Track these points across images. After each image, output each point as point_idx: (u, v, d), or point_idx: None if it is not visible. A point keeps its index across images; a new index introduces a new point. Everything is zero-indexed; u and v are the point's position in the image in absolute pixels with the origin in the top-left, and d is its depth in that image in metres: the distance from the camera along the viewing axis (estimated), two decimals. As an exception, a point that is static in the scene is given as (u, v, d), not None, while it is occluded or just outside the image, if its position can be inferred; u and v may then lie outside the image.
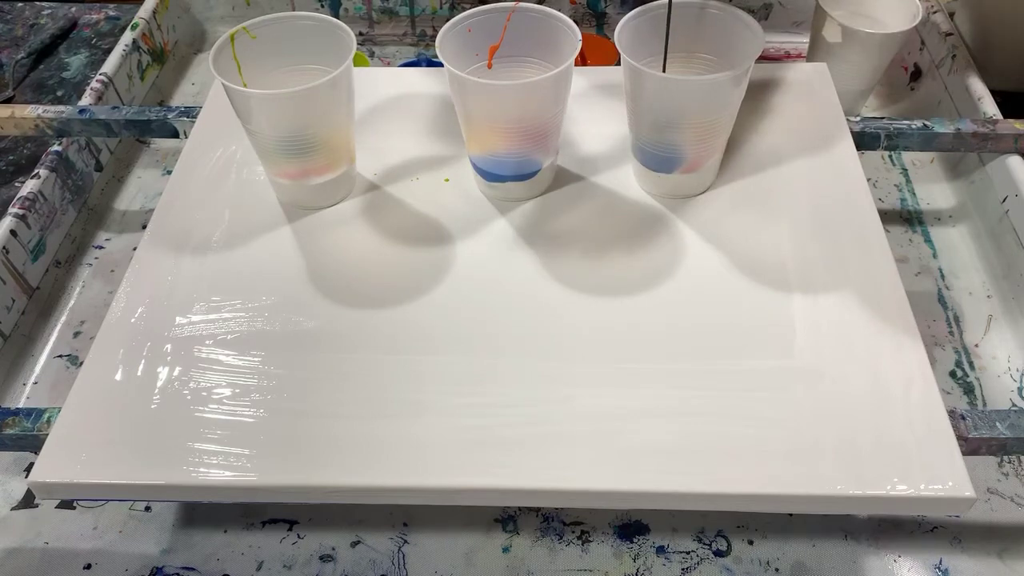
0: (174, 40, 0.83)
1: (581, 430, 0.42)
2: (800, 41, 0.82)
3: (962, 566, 0.47)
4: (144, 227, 0.55)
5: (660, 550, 0.48)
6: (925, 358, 0.44)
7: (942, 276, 0.62)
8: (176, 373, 0.45)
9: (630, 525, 0.49)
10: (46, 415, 0.45)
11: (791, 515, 0.49)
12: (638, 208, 0.53)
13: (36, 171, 0.62)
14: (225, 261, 0.51)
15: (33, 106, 0.63)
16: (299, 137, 0.49)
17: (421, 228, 0.53)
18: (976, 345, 0.57)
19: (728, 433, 0.42)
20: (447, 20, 0.50)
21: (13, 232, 0.58)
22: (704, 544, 0.49)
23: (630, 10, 0.50)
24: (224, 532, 0.49)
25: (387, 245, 0.52)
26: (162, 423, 0.43)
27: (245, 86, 0.50)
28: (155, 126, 0.63)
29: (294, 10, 0.81)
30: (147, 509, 0.51)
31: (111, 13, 0.87)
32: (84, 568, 0.48)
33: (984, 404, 0.54)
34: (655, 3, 0.50)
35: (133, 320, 0.48)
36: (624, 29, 0.49)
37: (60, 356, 0.59)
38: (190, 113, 0.62)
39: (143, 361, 0.46)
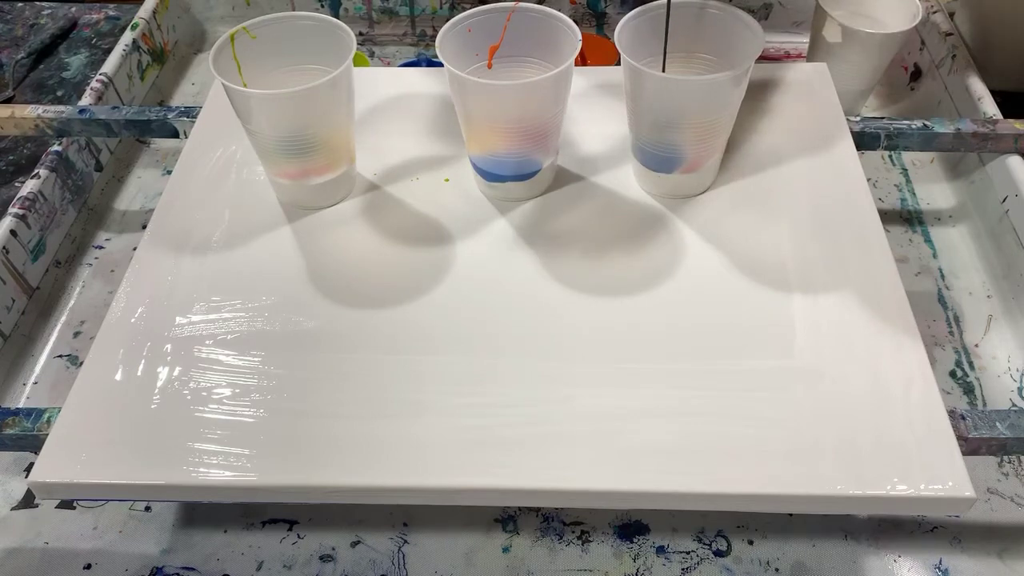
0: (174, 40, 0.83)
1: (581, 430, 0.42)
2: (800, 41, 0.82)
3: (962, 566, 0.47)
4: (144, 227, 0.55)
5: (660, 550, 0.48)
6: (925, 358, 0.44)
7: (942, 276, 0.62)
8: (176, 373, 0.45)
9: (630, 525, 0.49)
10: (46, 415, 0.45)
11: (791, 515, 0.49)
12: (638, 208, 0.53)
13: (36, 171, 0.62)
14: (225, 261, 0.51)
15: (33, 106, 0.63)
16: (299, 137, 0.49)
17: (421, 228, 0.53)
18: (976, 345, 0.57)
19: (728, 433, 0.42)
20: (447, 20, 0.50)
21: (13, 232, 0.58)
22: (704, 544, 0.49)
23: (630, 10, 0.50)
24: (224, 532, 0.49)
25: (387, 245, 0.52)
26: (162, 423, 0.43)
27: (245, 86, 0.50)
28: (155, 126, 0.63)
29: (294, 10, 0.81)
30: (147, 509, 0.51)
31: (111, 13, 0.87)
32: (84, 568, 0.48)
33: (984, 404, 0.54)
34: (655, 3, 0.50)
35: (133, 320, 0.48)
36: (624, 29, 0.49)
37: (60, 356, 0.59)
38: (190, 113, 0.62)
39: (143, 361, 0.46)
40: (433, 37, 0.83)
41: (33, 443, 0.45)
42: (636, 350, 0.46)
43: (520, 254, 0.51)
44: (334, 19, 0.50)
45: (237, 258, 0.51)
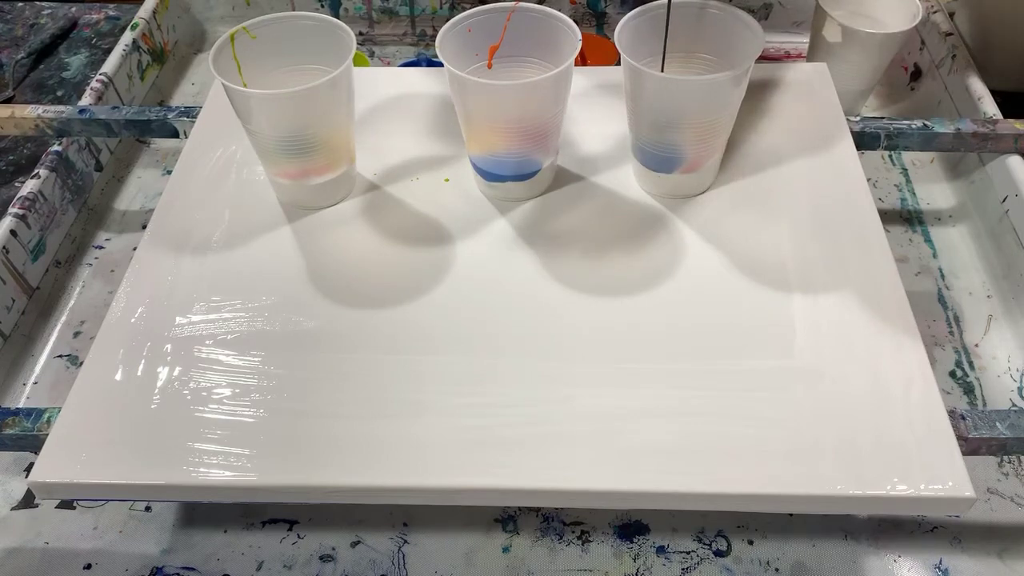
0: (174, 40, 0.83)
1: (581, 430, 0.42)
2: (800, 41, 0.82)
3: (962, 566, 0.47)
4: (144, 227, 0.55)
5: (660, 550, 0.48)
6: (925, 358, 0.44)
7: (942, 276, 0.62)
8: (176, 373, 0.45)
9: (630, 525, 0.49)
10: (46, 415, 0.45)
11: (791, 515, 0.49)
12: (638, 208, 0.53)
13: (36, 171, 0.62)
14: (225, 261, 0.51)
15: (33, 106, 0.63)
16: (299, 137, 0.49)
17: (421, 228, 0.53)
18: (976, 345, 0.57)
19: (728, 433, 0.42)
20: (447, 20, 0.50)
21: (13, 232, 0.58)
22: (704, 544, 0.49)
23: (630, 10, 0.50)
24: (224, 532, 0.49)
25: (387, 245, 0.52)
26: (162, 423, 0.43)
27: (245, 86, 0.50)
28: (155, 126, 0.63)
29: (294, 10, 0.81)
30: (147, 509, 0.51)
31: (111, 13, 0.87)
32: (84, 568, 0.48)
33: (984, 404, 0.54)
34: (655, 3, 0.50)
35: (133, 320, 0.48)
36: (624, 29, 0.49)
37: (60, 356, 0.59)
38: (190, 113, 0.62)
39: (143, 361, 0.46)
40: (433, 37, 0.83)
41: (33, 443, 0.45)
42: (636, 350, 0.45)
43: (520, 254, 0.51)
44: (334, 19, 0.50)
45: (237, 258, 0.51)
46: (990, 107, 0.64)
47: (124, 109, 0.63)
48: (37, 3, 0.88)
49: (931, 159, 0.70)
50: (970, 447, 0.44)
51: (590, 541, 0.49)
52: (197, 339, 0.47)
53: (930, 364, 0.44)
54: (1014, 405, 0.54)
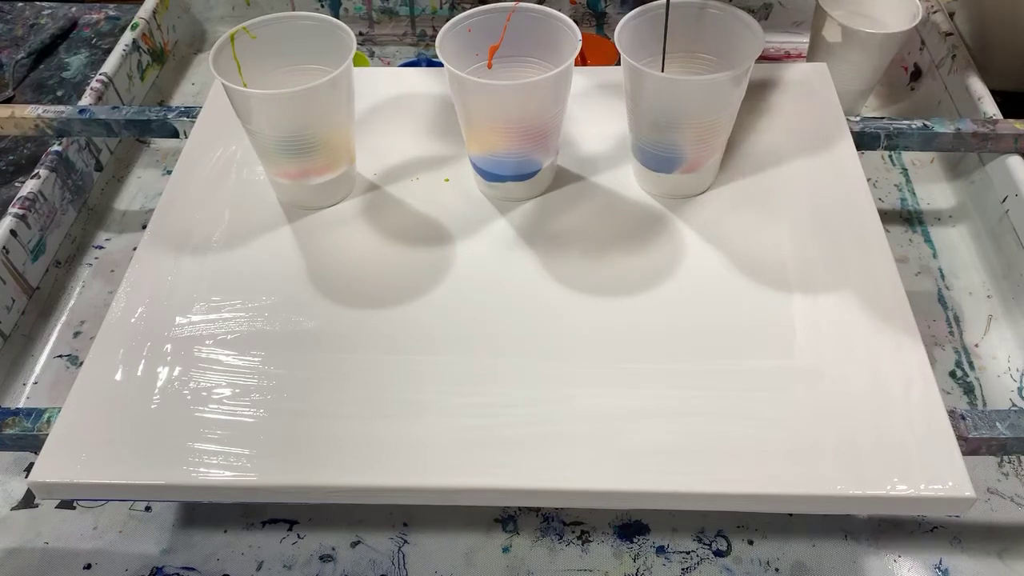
0: (174, 40, 0.83)
1: (581, 430, 0.42)
2: (800, 41, 0.82)
3: (962, 566, 0.47)
4: (144, 227, 0.55)
5: (660, 550, 0.48)
6: (925, 358, 0.44)
7: (942, 276, 0.62)
8: (176, 373, 0.45)
9: (630, 525, 0.49)
10: (46, 415, 0.45)
11: (791, 515, 0.49)
12: (638, 208, 0.53)
13: (36, 171, 0.62)
14: (225, 261, 0.51)
15: (33, 106, 0.63)
16: (299, 137, 0.49)
17: (421, 228, 0.53)
18: (976, 345, 0.57)
19: (728, 433, 0.42)
20: (447, 20, 0.50)
21: (13, 232, 0.58)
22: (704, 544, 0.49)
23: (630, 10, 0.50)
24: (224, 532, 0.49)
25: (387, 245, 0.52)
26: (162, 423, 0.43)
27: (245, 86, 0.50)
28: (155, 126, 0.63)
29: (294, 10, 0.81)
30: (147, 509, 0.51)
31: (111, 13, 0.87)
32: (84, 568, 0.48)
33: (984, 404, 0.54)
34: (655, 3, 0.50)
35: (133, 320, 0.48)
36: (624, 29, 0.49)
37: (60, 356, 0.59)
38: (190, 113, 0.62)
39: (143, 361, 0.46)
40: (433, 37, 0.83)
41: (33, 443, 0.45)
42: (636, 350, 0.45)
43: (520, 254, 0.51)
44: (334, 19, 0.50)
45: (237, 258, 0.51)
46: (990, 107, 0.64)
47: (124, 109, 0.63)
48: (37, 3, 0.88)
49: (931, 159, 0.70)
50: (970, 447, 0.44)
51: (590, 541, 0.49)
52: (197, 339, 0.47)
53: (930, 364, 0.44)
54: (1014, 405, 0.54)
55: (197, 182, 0.55)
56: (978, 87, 0.66)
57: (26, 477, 0.50)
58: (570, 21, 0.49)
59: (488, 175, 0.53)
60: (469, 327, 0.47)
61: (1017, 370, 0.56)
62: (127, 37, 0.75)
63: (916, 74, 0.76)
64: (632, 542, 0.49)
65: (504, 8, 0.50)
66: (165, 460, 0.42)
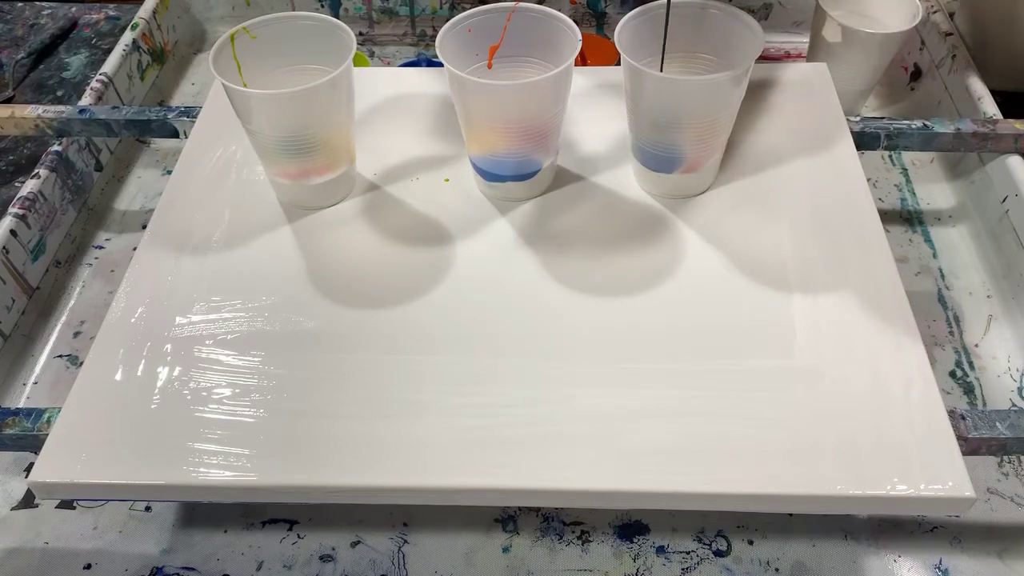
0: (174, 40, 0.83)
1: (581, 430, 0.42)
2: (800, 41, 0.82)
3: (962, 566, 0.47)
4: (144, 227, 0.55)
5: (660, 550, 0.48)
6: (925, 358, 0.44)
7: (942, 276, 0.62)
8: (176, 373, 0.45)
9: (630, 525, 0.49)
10: (46, 415, 0.45)
11: (791, 515, 0.49)
12: (638, 208, 0.53)
13: (36, 171, 0.62)
14: (225, 261, 0.51)
15: (33, 106, 0.63)
16: (299, 137, 0.49)
17: (421, 228, 0.53)
18: (976, 345, 0.57)
19: (728, 433, 0.42)
20: (447, 20, 0.50)
21: (13, 232, 0.58)
22: (704, 544, 0.49)
23: (630, 10, 0.50)
24: (224, 532, 0.49)
25: (387, 245, 0.52)
26: (162, 423, 0.43)
27: (245, 86, 0.50)
28: (155, 126, 0.63)
29: (294, 10, 0.81)
30: (147, 509, 0.51)
31: (111, 13, 0.87)
32: (84, 568, 0.48)
33: (984, 404, 0.54)
34: (655, 3, 0.50)
35: (133, 320, 0.48)
36: (624, 29, 0.49)
37: (60, 356, 0.59)
38: (190, 113, 0.62)
39: (143, 361, 0.46)
40: (433, 37, 0.83)
41: (33, 443, 0.45)
42: (636, 350, 0.45)
43: (520, 254, 0.51)
44: (334, 19, 0.50)
45: (237, 258, 0.51)
46: (990, 107, 0.64)
47: (124, 109, 0.63)
48: (37, 3, 0.88)
49: (931, 159, 0.70)
50: (970, 447, 0.44)
51: (590, 541, 0.49)
52: (197, 339, 0.47)
53: (930, 364, 0.44)
54: (1014, 405, 0.54)
55: (197, 182, 0.55)
56: (978, 87, 0.66)
57: (26, 477, 0.50)
58: (570, 21, 0.49)
59: (488, 175, 0.53)
60: (469, 327, 0.47)
61: (1017, 370, 0.56)
62: (127, 37, 0.75)
63: (916, 74, 0.76)
64: (632, 542, 0.49)
65: (504, 8, 0.50)
66: (165, 460, 0.42)
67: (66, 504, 0.51)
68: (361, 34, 0.84)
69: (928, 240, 0.64)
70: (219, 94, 0.61)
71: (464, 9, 0.57)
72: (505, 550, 0.49)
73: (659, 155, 0.51)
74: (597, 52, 0.75)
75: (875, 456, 0.41)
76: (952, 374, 0.56)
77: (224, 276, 0.50)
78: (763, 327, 0.46)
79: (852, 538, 0.48)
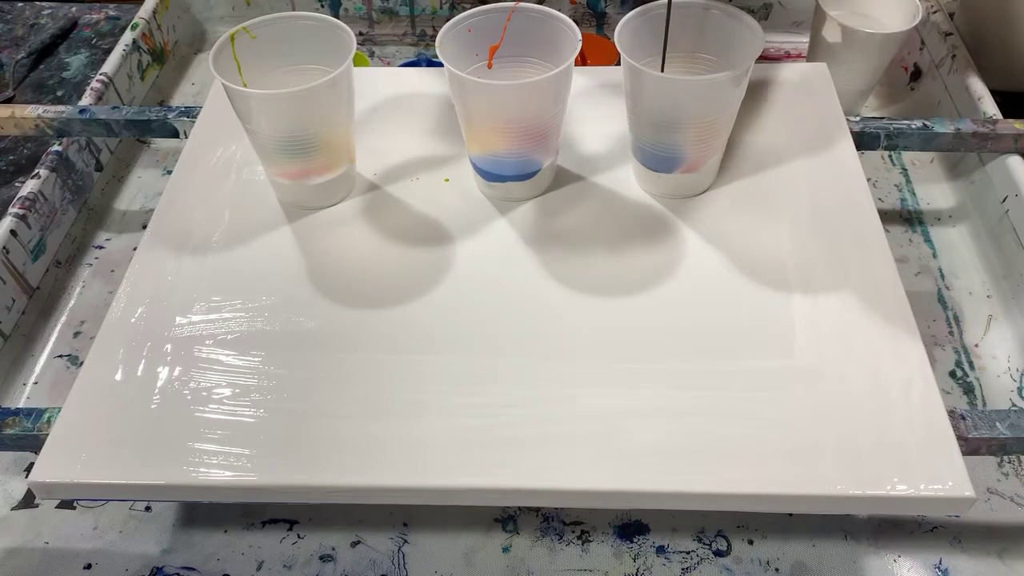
0: (174, 40, 0.83)
1: (581, 430, 0.42)
2: (800, 41, 0.82)
3: (962, 566, 0.47)
4: (144, 227, 0.55)
5: (660, 550, 0.48)
6: (925, 358, 0.44)
7: (942, 276, 0.62)
8: (176, 373, 0.45)
9: (630, 525, 0.49)
10: (46, 415, 0.45)
11: (791, 515, 0.49)
12: (638, 208, 0.53)
13: (36, 171, 0.62)
14: (225, 261, 0.51)
15: (33, 106, 0.64)
16: (299, 137, 0.49)
17: (421, 228, 0.53)
18: (976, 345, 0.57)
19: (728, 433, 0.42)
20: (447, 20, 0.50)
21: (13, 232, 0.58)
22: (704, 544, 0.49)
23: (630, 10, 0.50)
24: (224, 532, 0.49)
25: (387, 245, 0.52)
26: (162, 423, 0.43)
27: (245, 86, 0.50)
28: (155, 126, 0.63)
29: (294, 10, 0.81)
30: (147, 509, 0.51)
31: (111, 13, 0.87)
32: (84, 568, 0.48)
33: (984, 404, 0.54)
34: (655, 3, 0.50)
35: (133, 320, 0.48)
36: (624, 29, 0.49)
37: (60, 356, 0.59)
38: (190, 113, 0.62)
39: (143, 361, 0.46)
40: (433, 37, 0.83)
41: (33, 443, 0.45)
42: (636, 350, 0.45)
43: (520, 254, 0.51)
44: (334, 19, 0.50)
45: (237, 258, 0.51)
46: (990, 107, 0.64)
47: (124, 109, 0.63)
48: (37, 3, 0.88)
49: (931, 159, 0.70)
50: (970, 447, 0.44)
51: (590, 541, 0.49)
52: (197, 339, 0.47)
53: (930, 364, 0.44)
54: (1014, 405, 0.54)
55: (197, 182, 0.55)
56: (978, 87, 0.66)
57: (26, 477, 0.50)
58: (570, 21, 0.49)
59: (488, 175, 0.53)
60: (469, 327, 0.47)
61: (1017, 370, 0.56)
62: (127, 37, 0.75)
63: (916, 74, 0.76)
64: (632, 542, 0.49)
65: (504, 8, 0.50)
66: (165, 460, 0.42)
67: (66, 504, 0.51)
68: (361, 34, 0.84)
69: (928, 240, 0.64)
70: (219, 94, 0.61)
71: (464, 9, 0.57)
72: (505, 550, 0.49)
73: (659, 155, 0.51)
74: (597, 52, 0.75)
75: (875, 456, 0.41)
76: (952, 374, 0.56)
77: (224, 276, 0.50)
78: (763, 327, 0.46)
79: (852, 538, 0.48)
